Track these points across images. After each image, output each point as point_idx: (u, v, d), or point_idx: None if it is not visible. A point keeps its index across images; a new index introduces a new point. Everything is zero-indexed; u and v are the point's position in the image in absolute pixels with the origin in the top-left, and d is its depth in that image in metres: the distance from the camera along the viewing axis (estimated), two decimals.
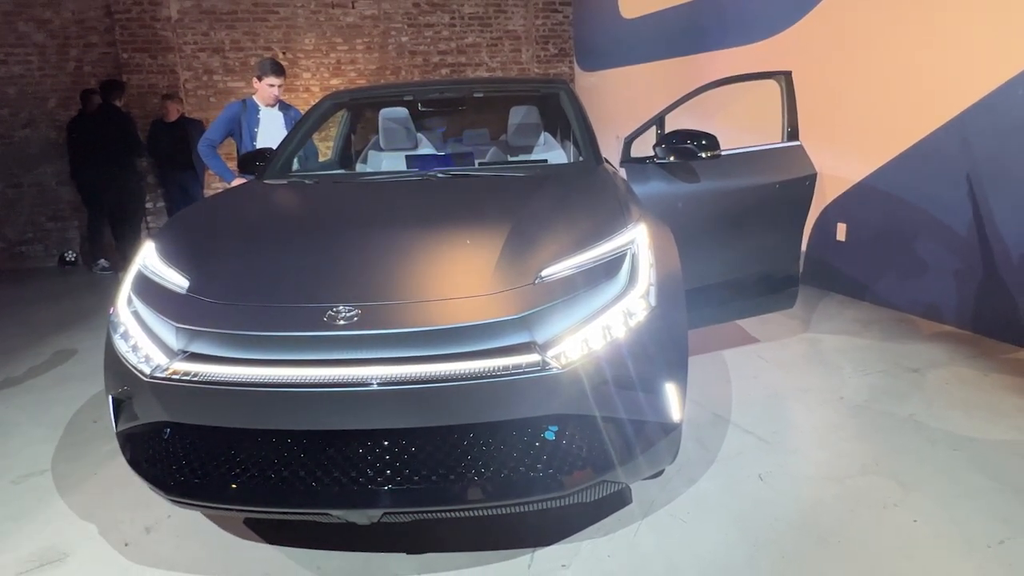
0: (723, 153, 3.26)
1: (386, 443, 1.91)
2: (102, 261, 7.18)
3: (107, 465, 2.95)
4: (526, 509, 1.98)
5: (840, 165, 4.91)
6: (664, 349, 2.09)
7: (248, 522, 2.46)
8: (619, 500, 2.50)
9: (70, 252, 7.69)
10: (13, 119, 7.42)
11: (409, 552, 2.27)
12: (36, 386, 3.99)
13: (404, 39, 8.54)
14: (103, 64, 7.60)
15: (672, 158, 3.25)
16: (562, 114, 3.74)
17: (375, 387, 1.83)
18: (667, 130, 3.48)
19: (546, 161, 3.60)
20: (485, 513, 1.96)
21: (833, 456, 2.79)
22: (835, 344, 4.05)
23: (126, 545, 2.40)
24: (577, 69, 9.14)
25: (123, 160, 6.68)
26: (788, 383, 3.51)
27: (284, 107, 5.01)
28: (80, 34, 7.48)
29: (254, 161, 3.49)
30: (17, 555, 2.37)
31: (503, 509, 1.95)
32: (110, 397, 2.21)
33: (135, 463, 2.11)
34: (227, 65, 7.96)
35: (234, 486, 1.92)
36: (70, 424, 3.43)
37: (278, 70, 4.83)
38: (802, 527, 2.33)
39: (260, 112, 4.94)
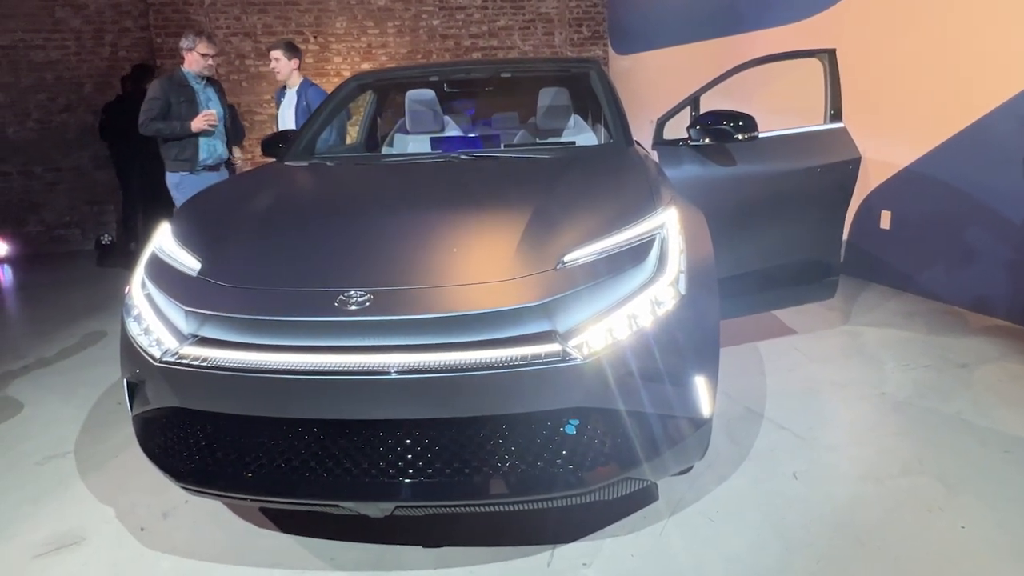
0: (761, 135, 3.11)
1: (398, 434, 1.83)
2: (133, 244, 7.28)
3: (129, 448, 2.94)
4: (544, 506, 1.89)
5: (885, 149, 4.68)
6: (694, 340, 1.98)
7: (264, 510, 2.42)
8: (645, 497, 2.39)
9: (106, 235, 7.79)
10: (51, 104, 7.53)
11: (425, 545, 2.21)
12: (65, 367, 4.03)
13: (435, 22, 8.44)
14: (138, 49, 7.66)
15: (707, 140, 3.11)
16: (593, 95, 3.61)
17: (386, 376, 1.75)
18: (702, 111, 3.33)
19: (574, 143, 3.48)
20: (501, 509, 1.87)
21: (873, 454, 2.65)
22: (877, 337, 3.87)
23: (142, 530, 2.38)
24: (611, 52, 8.94)
25: (151, 147, 6.71)
26: (826, 377, 3.36)
27: (304, 87, 5.05)
28: (115, 19, 7.54)
29: (277, 143, 3.44)
30: (35, 537, 2.36)
31: (520, 506, 1.86)
32: (125, 380, 2.17)
33: (147, 448, 2.08)
34: (259, 50, 7.94)
35: (244, 475, 1.87)
36: (96, 406, 3.45)
37: (274, 44, 5.05)
38: (839, 529, 2.21)
39: (285, 93, 5.09)
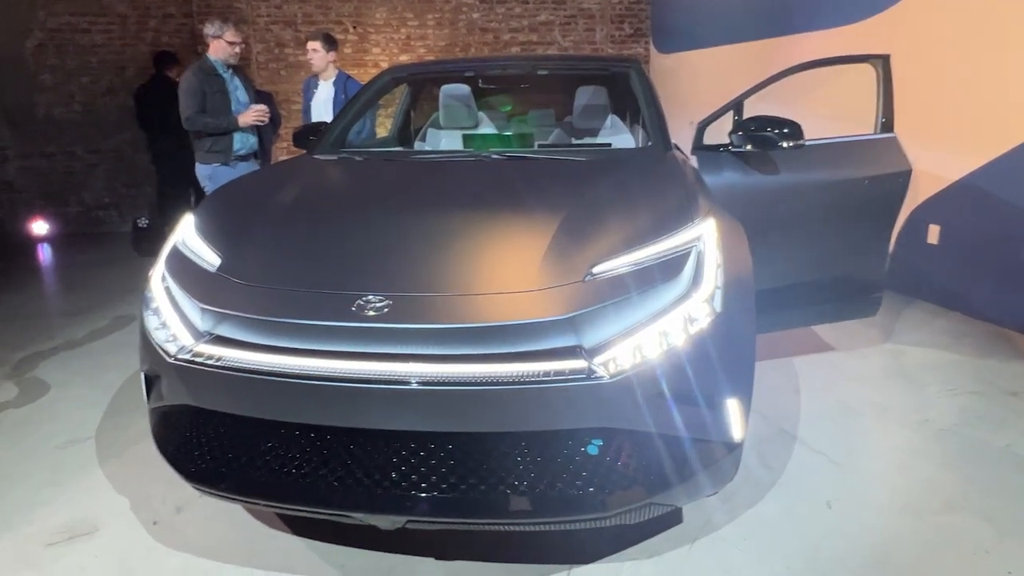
0: (807, 143, 2.96)
1: (412, 446, 1.76)
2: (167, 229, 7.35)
3: (148, 437, 2.85)
4: (563, 528, 1.81)
5: (937, 160, 4.47)
6: (728, 361, 1.87)
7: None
8: (669, 519, 2.29)
9: (143, 219, 7.87)
10: (94, 87, 7.62)
11: (437, 558, 2.14)
12: (93, 350, 4.05)
13: (475, 16, 8.35)
14: (180, 35, 7.72)
15: (749, 147, 2.99)
16: (632, 95, 3.50)
17: (402, 385, 1.68)
18: (745, 116, 3.19)
19: (610, 145, 3.37)
20: (516, 530, 1.79)
21: (913, 486, 2.50)
22: (921, 358, 3.69)
23: (154, 524, 2.36)
24: (653, 51, 8.76)
25: (169, 131, 6.72)
26: (865, 399, 3.20)
27: (342, 79, 5.02)
28: (159, 5, 7.61)
29: (308, 136, 3.39)
30: (49, 524, 2.36)
31: (537, 527, 1.78)
32: (142, 374, 2.15)
33: (160, 444, 2.06)
34: (298, 38, 7.95)
35: (254, 479, 1.82)
36: (120, 391, 3.45)
37: (312, 35, 5.01)
38: (874, 566, 2.08)
39: (319, 85, 5.05)
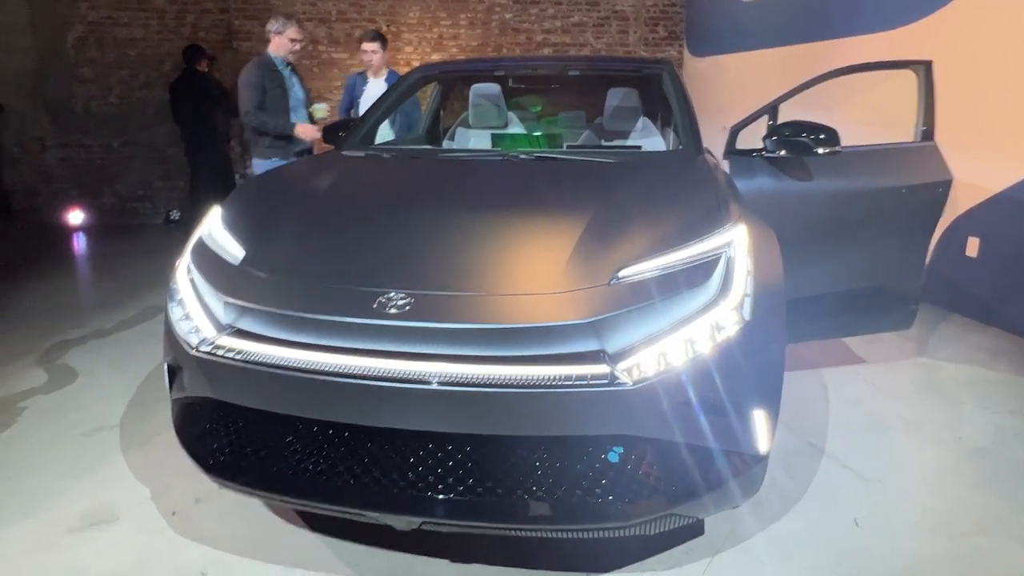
0: (843, 150, 2.89)
1: (430, 446, 1.74)
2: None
3: (171, 428, 2.93)
4: (581, 536, 1.77)
5: (979, 170, 4.33)
6: (755, 371, 1.82)
7: None
8: (689, 530, 2.24)
9: (175, 211, 8.00)
10: (132, 80, 7.76)
11: (452, 560, 2.11)
12: (121, 340, 4.10)
13: (508, 16, 8.34)
14: (216, 30, 7.82)
15: (783, 152, 2.92)
16: (664, 98, 3.45)
17: (421, 385, 1.66)
18: (780, 121, 3.13)
19: (640, 148, 3.32)
20: (533, 535, 1.76)
21: (945, 506, 2.42)
22: (956, 373, 3.58)
23: (173, 514, 2.37)
24: (687, 54, 8.67)
25: (199, 124, 6.80)
26: (896, 413, 3.11)
27: (393, 77, 5.04)
28: (196, 0, 7.71)
29: (337, 131, 3.40)
30: (71, 511, 2.39)
31: (555, 533, 1.75)
32: (165, 364, 2.16)
33: (181, 434, 2.07)
34: (332, 36, 8.02)
35: (270, 474, 1.81)
36: (146, 381, 3.49)
37: (370, 36, 5.01)
38: None
39: (368, 83, 5.05)
